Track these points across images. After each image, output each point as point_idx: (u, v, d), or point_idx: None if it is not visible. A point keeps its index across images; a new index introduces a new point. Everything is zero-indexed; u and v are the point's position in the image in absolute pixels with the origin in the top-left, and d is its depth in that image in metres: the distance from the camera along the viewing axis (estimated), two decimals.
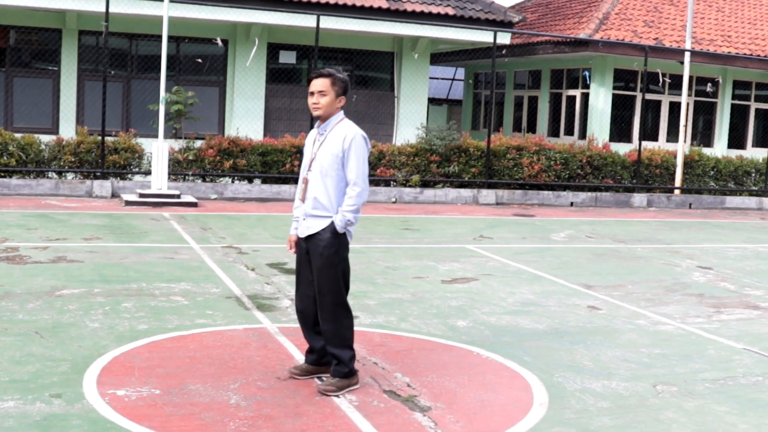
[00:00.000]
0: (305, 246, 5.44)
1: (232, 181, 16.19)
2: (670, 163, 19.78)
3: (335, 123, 5.40)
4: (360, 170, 5.31)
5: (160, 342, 6.28)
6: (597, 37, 19.96)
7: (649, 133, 21.63)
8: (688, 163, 19.93)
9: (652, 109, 21.42)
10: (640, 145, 19.43)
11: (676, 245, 13.35)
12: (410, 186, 17.48)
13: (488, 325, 7.47)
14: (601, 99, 21.53)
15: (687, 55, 19.65)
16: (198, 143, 15.79)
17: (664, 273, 10.74)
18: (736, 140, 23.02)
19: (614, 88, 21.76)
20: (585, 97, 22.36)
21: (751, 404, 5.74)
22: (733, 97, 22.77)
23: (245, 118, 18.00)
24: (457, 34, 18.82)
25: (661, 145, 21.41)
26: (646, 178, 19.58)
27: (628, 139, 21.97)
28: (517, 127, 25.60)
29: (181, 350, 6.11)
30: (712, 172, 20.34)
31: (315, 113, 5.35)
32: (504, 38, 18.86)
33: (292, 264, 9.71)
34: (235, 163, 15.86)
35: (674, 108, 22.15)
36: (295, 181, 16.41)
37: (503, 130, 26.24)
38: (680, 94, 21.47)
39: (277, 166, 16.30)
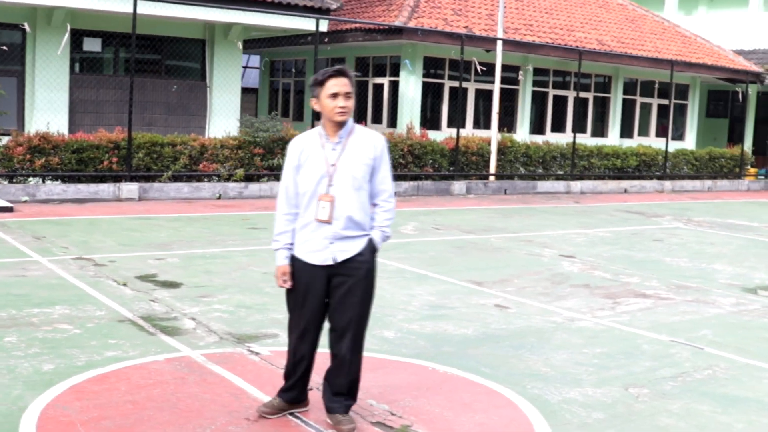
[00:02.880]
0: (324, 274, 4.61)
1: (43, 181, 14.63)
2: (484, 150, 20.11)
3: (350, 128, 4.69)
4: (392, 179, 4.78)
5: (83, 385, 5.29)
6: (411, 25, 19.87)
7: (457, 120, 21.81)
8: (501, 149, 20.36)
9: (458, 97, 21.56)
10: (458, 133, 19.62)
11: (523, 233, 13.45)
12: (234, 181, 16.61)
13: (417, 334, 7.00)
14: (411, 87, 21.50)
15: (499, 43, 20.01)
16: (4, 140, 14.11)
17: (536, 264, 10.71)
18: (536, 126, 23.80)
19: (423, 75, 21.80)
20: (393, 85, 22.27)
21: (726, 400, 5.65)
22: (533, 84, 23.51)
23: (49, 111, 16.33)
24: (274, 21, 18.04)
25: (469, 132, 21.68)
26: (463, 165, 19.79)
27: (437, 126, 22.10)
28: (317, 116, 25.14)
29: (113, 394, 5.16)
30: (522, 158, 20.89)
31: (341, 118, 4.55)
32: (322, 26, 18.31)
33: (163, 275, 8.77)
34: (48, 161, 14.32)
35: (479, 95, 22.54)
36: (114, 179, 15.09)
37: (304, 119, 25.80)
38: (483, 82, 21.93)
39: (93, 163, 14.90)
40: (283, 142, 17.32)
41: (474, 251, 11.50)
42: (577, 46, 22.11)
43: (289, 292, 4.70)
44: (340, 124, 4.60)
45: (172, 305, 7.53)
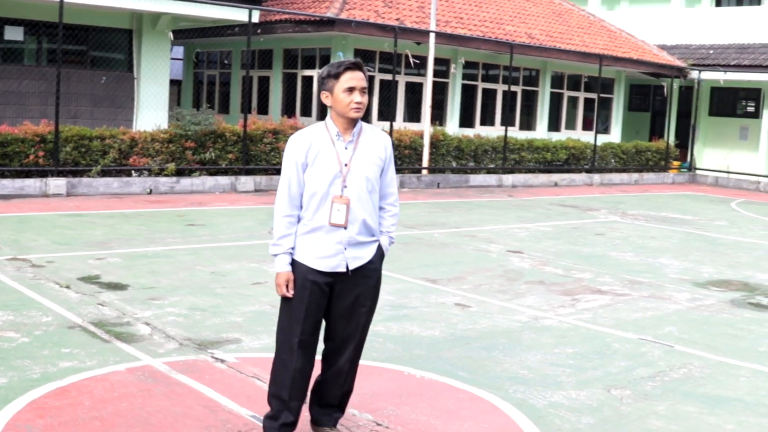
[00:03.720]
0: (330, 281, 4.24)
1: None
2: (417, 143, 19.95)
3: (360, 126, 4.33)
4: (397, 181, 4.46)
5: (42, 401, 4.89)
6: (343, 16, 19.56)
7: (388, 113, 21.62)
8: (434, 143, 20.23)
9: (391, 90, 21.37)
10: (391, 126, 19.43)
11: (465, 228, 13.32)
12: (166, 175, 16.07)
13: (384, 336, 6.76)
14: None
15: (432, 36, 19.86)
16: None
17: (486, 260, 10.57)
18: (466, 119, 23.71)
19: None
20: None
21: (710, 401, 5.58)
22: (463, 77, 23.43)
23: None
24: (204, 11, 17.51)
25: (400, 125, 21.48)
26: (396, 159, 19.59)
27: (367, 120, 21.83)
28: (248, 108, 24.61)
29: (78, 410, 4.79)
30: (454, 152, 20.80)
31: (357, 115, 4.18)
32: (254, 16, 17.86)
33: (106, 276, 8.32)
34: None
35: (408, 88, 22.36)
36: (40, 174, 14.42)
37: (230, 111, 25.26)
38: (413, 75, 21.77)
39: (18, 157, 14.21)
40: (214, 136, 16.87)
41: (422, 247, 11.31)
42: (507, 40, 22.11)
43: (286, 301, 4.29)
44: (354, 121, 4.26)
45: (122, 309, 7.13)
